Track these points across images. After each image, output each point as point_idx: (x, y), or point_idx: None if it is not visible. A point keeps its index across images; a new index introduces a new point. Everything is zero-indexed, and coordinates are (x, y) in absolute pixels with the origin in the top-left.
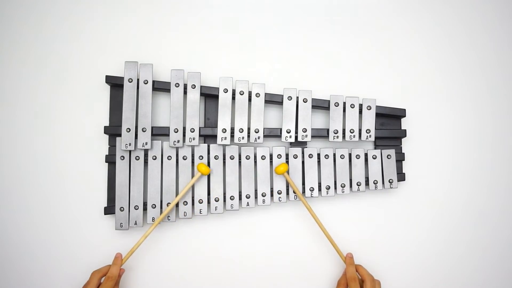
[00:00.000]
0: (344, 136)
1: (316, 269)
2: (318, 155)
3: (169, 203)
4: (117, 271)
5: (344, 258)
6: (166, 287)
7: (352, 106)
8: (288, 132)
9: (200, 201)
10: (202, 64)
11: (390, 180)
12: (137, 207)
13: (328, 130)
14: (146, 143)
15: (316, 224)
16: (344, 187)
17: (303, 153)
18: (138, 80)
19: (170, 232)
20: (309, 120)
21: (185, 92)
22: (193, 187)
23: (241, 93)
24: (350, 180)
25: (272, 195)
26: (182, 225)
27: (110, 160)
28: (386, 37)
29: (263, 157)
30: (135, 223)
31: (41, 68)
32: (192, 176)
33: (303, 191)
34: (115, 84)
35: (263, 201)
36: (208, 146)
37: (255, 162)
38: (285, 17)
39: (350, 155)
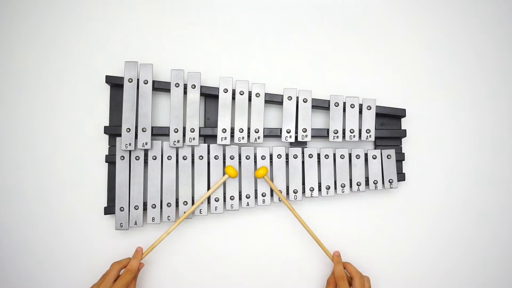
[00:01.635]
0: (344, 136)
1: (315, 268)
2: (318, 155)
3: (169, 203)
4: (137, 264)
5: (331, 257)
6: (165, 284)
7: (352, 106)
8: (288, 132)
9: None
10: (202, 64)
11: (390, 180)
12: (137, 207)
13: (328, 130)
14: (146, 143)
15: (314, 225)
16: (344, 187)
17: (303, 153)
18: (138, 80)
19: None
20: (309, 120)
21: (185, 92)
22: (193, 187)
23: (241, 93)
24: (350, 180)
25: (272, 195)
26: (182, 224)
27: (110, 160)
28: (386, 37)
29: (263, 157)
30: (135, 223)
31: (41, 68)
32: (192, 176)
33: (303, 191)
34: (115, 84)
35: (263, 201)
36: (208, 146)
37: (255, 162)
38: (285, 18)
39: (350, 155)
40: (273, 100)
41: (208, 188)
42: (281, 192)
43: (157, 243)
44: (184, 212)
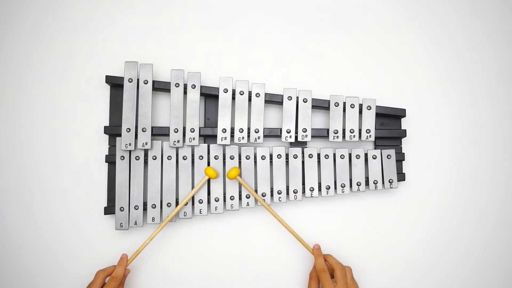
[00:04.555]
0: (344, 136)
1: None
2: (318, 155)
3: (169, 203)
4: (122, 271)
5: (311, 251)
6: (166, 285)
7: (352, 106)
8: (288, 132)
9: (200, 201)
10: (202, 64)
11: (390, 180)
12: (137, 207)
13: (328, 130)
14: (146, 143)
15: (315, 224)
16: (344, 187)
17: (303, 153)
18: (138, 80)
19: (170, 232)
20: (309, 120)
21: (185, 92)
22: (192, 187)
23: (241, 93)
24: (350, 180)
25: (272, 195)
26: (182, 225)
27: (110, 160)
28: (386, 37)
29: (263, 157)
30: (135, 223)
31: (41, 68)
32: (192, 176)
33: (303, 191)
34: (115, 84)
35: (263, 201)
36: (208, 146)
37: (255, 162)
38: (285, 18)
39: (350, 155)
40: (273, 100)
41: (208, 188)
42: (258, 193)
43: (142, 249)
44: (185, 213)
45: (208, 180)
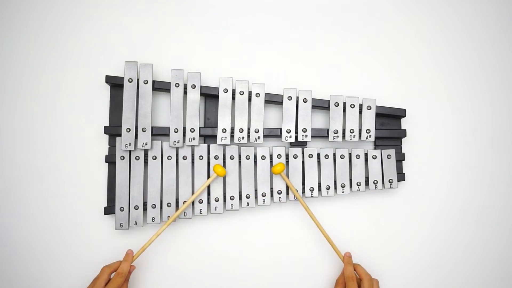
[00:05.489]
0: (344, 136)
1: (315, 269)
2: (318, 155)
3: (169, 203)
4: (128, 267)
5: (342, 257)
6: (166, 285)
7: (352, 106)
8: (288, 132)
9: (200, 201)
10: (202, 64)
11: (390, 180)
12: (137, 207)
13: (328, 130)
14: (146, 143)
15: (315, 224)
16: (344, 187)
17: (303, 153)
18: (138, 80)
19: (170, 232)
20: (309, 120)
21: (185, 92)
22: (193, 187)
23: (241, 93)
24: (350, 180)
25: (272, 195)
26: (182, 225)
27: (110, 160)
28: (386, 37)
29: (263, 157)
30: (135, 223)
31: (41, 68)
32: (192, 176)
33: (303, 191)
34: (115, 84)
35: (263, 201)
36: (208, 146)
37: (255, 162)
38: (285, 18)
39: (350, 155)
40: (273, 100)
41: (208, 188)
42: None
43: (147, 245)
44: (186, 213)
45: None
